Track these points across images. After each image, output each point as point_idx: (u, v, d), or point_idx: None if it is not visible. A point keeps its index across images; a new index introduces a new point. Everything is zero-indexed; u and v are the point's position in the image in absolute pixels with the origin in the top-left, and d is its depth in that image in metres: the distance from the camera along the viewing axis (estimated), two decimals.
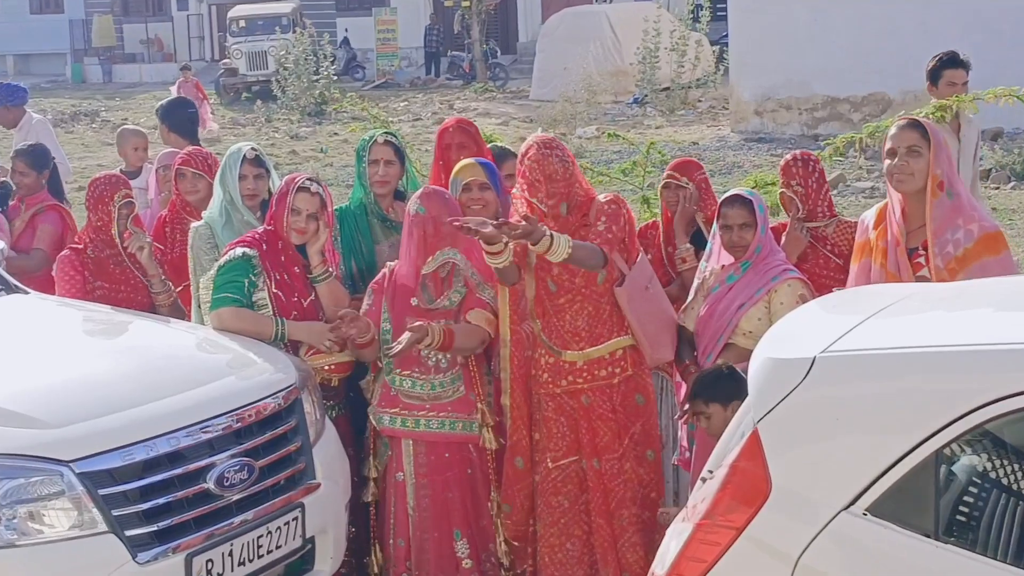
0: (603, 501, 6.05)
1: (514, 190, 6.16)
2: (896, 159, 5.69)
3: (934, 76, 9.31)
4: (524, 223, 5.61)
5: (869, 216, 6.01)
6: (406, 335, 5.90)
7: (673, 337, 6.24)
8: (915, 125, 5.81)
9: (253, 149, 7.10)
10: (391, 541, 6.27)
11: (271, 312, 6.32)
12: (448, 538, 6.21)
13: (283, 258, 6.40)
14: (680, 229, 6.81)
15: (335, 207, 6.71)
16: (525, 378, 6.22)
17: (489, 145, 7.01)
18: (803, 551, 3.33)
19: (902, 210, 5.77)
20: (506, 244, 5.78)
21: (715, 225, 6.17)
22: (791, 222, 6.48)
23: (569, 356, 6.04)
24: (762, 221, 6.06)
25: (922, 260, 5.67)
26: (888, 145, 5.77)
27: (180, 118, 9.50)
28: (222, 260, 6.42)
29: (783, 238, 6.45)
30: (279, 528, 5.60)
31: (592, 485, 6.07)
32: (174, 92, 25.96)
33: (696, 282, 6.29)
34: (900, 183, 5.70)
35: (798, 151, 6.95)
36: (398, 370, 6.17)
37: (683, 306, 6.33)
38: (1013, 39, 21.83)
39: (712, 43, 32.39)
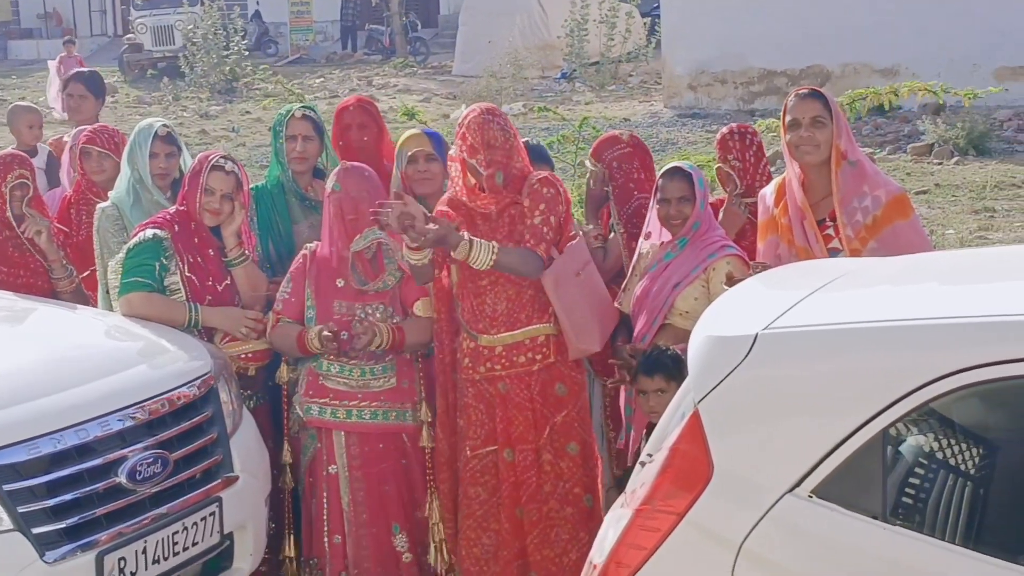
0: (512, 494, 6.06)
1: (451, 151, 6.18)
2: (801, 130, 5.74)
3: None
4: (436, 228, 5.66)
5: (768, 192, 6.03)
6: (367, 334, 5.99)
7: (605, 327, 6.23)
8: (816, 95, 5.86)
9: (165, 126, 7.05)
10: (326, 538, 6.25)
11: (184, 297, 6.29)
12: (386, 532, 6.23)
13: (196, 240, 6.36)
14: (589, 209, 6.85)
15: (251, 186, 6.68)
16: (452, 363, 6.25)
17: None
18: (747, 536, 3.35)
19: (802, 182, 5.82)
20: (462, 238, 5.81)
21: (652, 200, 6.20)
22: (729, 197, 6.50)
23: (485, 340, 6.04)
24: (701, 196, 6.07)
25: (831, 232, 5.73)
26: (789, 117, 5.80)
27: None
28: (131, 242, 6.37)
29: (720, 214, 6.47)
30: (195, 524, 5.57)
31: (503, 477, 6.08)
32: (52, 69, 25.73)
33: (633, 261, 6.32)
34: (806, 154, 5.74)
35: (735, 124, 6.98)
36: (322, 353, 6.17)
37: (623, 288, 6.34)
38: (951, 7, 22.02)
39: (643, 15, 32.51)
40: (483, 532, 6.10)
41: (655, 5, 29.68)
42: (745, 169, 6.54)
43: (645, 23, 31.86)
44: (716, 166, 6.68)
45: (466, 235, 5.75)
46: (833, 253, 5.64)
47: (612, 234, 6.75)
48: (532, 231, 5.94)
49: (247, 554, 5.92)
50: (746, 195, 6.50)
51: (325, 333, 6.00)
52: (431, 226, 5.67)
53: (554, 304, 6.01)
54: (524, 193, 6.02)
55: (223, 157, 6.45)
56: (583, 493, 6.13)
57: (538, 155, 6.77)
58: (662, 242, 6.12)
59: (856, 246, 5.58)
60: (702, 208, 6.07)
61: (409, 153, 6.48)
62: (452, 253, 5.78)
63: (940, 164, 17.68)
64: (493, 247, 5.75)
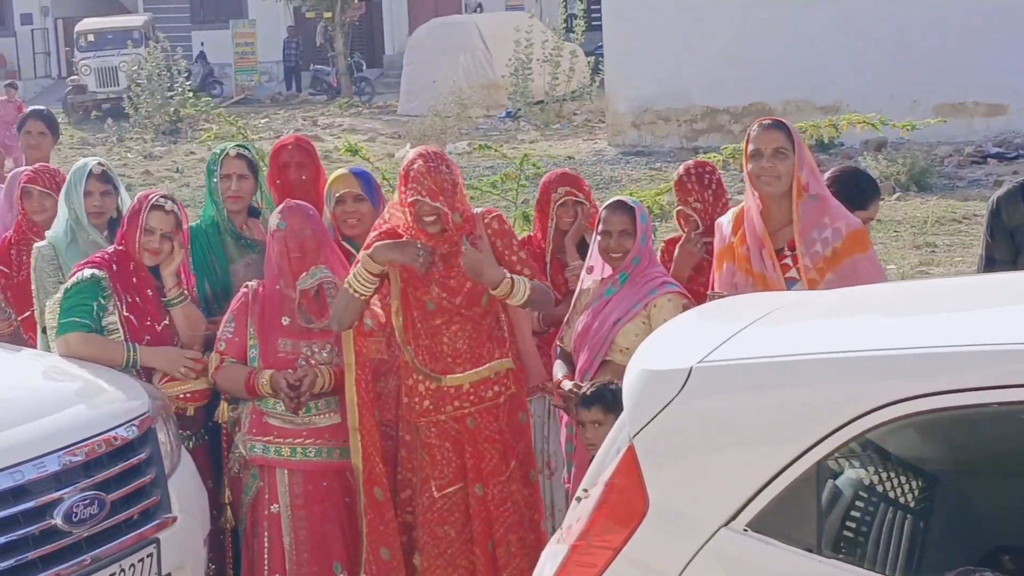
0: (484, 530, 6.04)
1: (394, 197, 6.17)
2: (762, 160, 5.74)
3: None
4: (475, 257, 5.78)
5: (725, 221, 6.02)
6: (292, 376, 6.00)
7: (538, 359, 6.34)
8: (779, 126, 5.86)
9: (100, 164, 7.03)
10: None
11: (122, 337, 6.25)
12: (328, 571, 6.19)
13: (135, 280, 6.34)
14: (571, 245, 6.83)
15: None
16: (373, 403, 6.20)
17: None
18: (682, 570, 3.34)
19: (761, 212, 5.81)
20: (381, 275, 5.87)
21: (595, 233, 6.20)
22: (686, 236, 6.49)
23: (452, 380, 6.00)
24: (643, 231, 6.08)
25: (789, 261, 5.73)
26: (752, 147, 5.80)
27: None
28: (69, 282, 6.34)
29: (676, 251, 6.48)
30: (133, 565, 5.52)
31: (474, 513, 6.05)
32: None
33: (575, 296, 6.31)
34: (768, 185, 5.74)
35: (691, 161, 6.98)
36: (271, 398, 6.14)
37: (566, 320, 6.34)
38: (890, 45, 22.21)
39: (587, 54, 32.67)
40: (453, 570, 6.08)
41: (599, 44, 29.85)
42: (705, 210, 6.52)
43: (589, 62, 32.00)
44: (677, 208, 6.65)
45: (506, 272, 5.80)
46: (790, 283, 5.65)
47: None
48: (527, 265, 6.06)
49: None
50: (705, 234, 6.44)
51: (285, 386, 5.99)
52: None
53: (520, 336, 6.16)
54: (481, 231, 6.04)
55: (163, 196, 6.43)
56: (540, 519, 6.16)
57: (369, 183, 6.84)
58: (603, 278, 6.12)
59: (814, 276, 5.59)
60: (643, 243, 6.07)
61: (337, 194, 6.50)
62: (491, 291, 5.83)
63: (881, 200, 17.76)
64: (525, 282, 5.82)
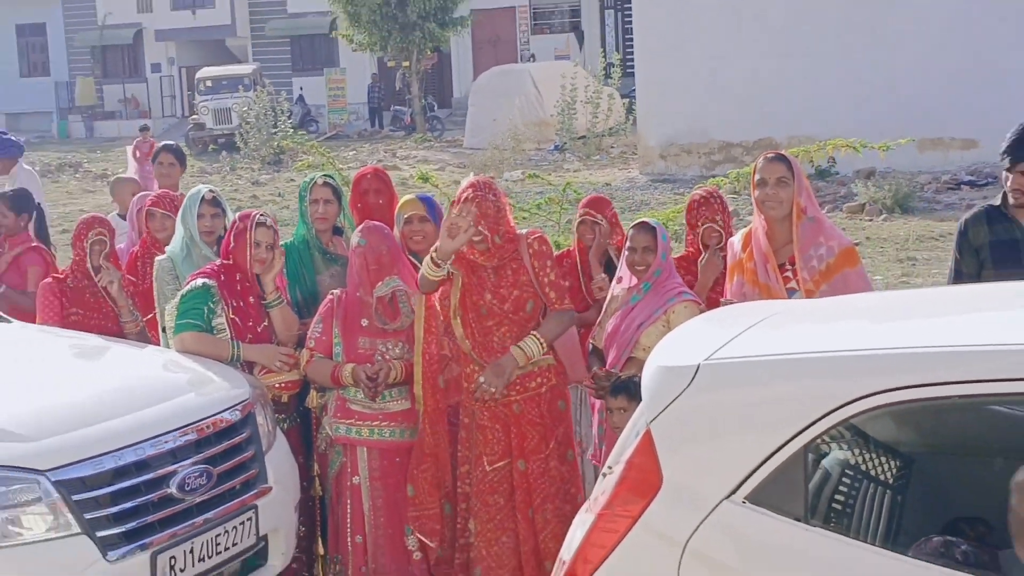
0: (525, 500, 6.03)
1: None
2: (767, 188, 5.74)
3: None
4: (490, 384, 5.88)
5: (736, 240, 6.03)
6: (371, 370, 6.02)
7: (580, 357, 6.32)
8: (781, 159, 5.85)
9: (211, 191, 7.10)
10: (349, 539, 6.21)
11: (228, 336, 6.28)
12: (400, 534, 6.19)
13: (239, 287, 6.37)
14: (595, 261, 6.79)
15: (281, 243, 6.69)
16: (436, 389, 6.21)
17: (425, 195, 7.01)
18: (690, 536, 3.33)
19: (766, 232, 5.81)
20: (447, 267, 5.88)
21: (623, 249, 6.20)
22: (712, 251, 6.45)
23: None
24: (663, 248, 6.08)
25: (789, 274, 5.73)
26: (758, 176, 5.80)
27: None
28: (184, 289, 6.39)
29: (701, 264, 6.46)
30: (235, 527, 5.56)
31: (516, 485, 6.05)
32: (130, 153, 25.62)
33: (606, 302, 6.31)
34: (771, 209, 5.75)
35: (704, 189, 6.96)
36: (353, 387, 6.15)
37: (599, 322, 6.34)
38: (880, 87, 22.09)
39: (623, 96, 32.57)
40: (502, 532, 6.06)
41: (632, 88, 29.74)
42: (725, 227, 6.53)
43: (624, 103, 31.89)
44: (705, 226, 6.57)
45: (512, 351, 5.87)
46: (791, 293, 5.64)
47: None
48: (554, 287, 6.02)
49: (279, 553, 5.91)
50: (722, 249, 6.43)
51: (364, 377, 6.01)
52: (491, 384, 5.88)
53: (558, 336, 6.11)
54: (524, 250, 6.05)
55: (262, 215, 6.47)
56: (577, 493, 6.13)
57: (432, 207, 6.81)
58: (629, 287, 6.12)
59: (811, 287, 5.59)
60: (664, 258, 6.07)
61: (405, 216, 6.52)
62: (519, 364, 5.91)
63: (870, 220, 17.72)
64: (537, 338, 5.90)
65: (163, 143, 9.91)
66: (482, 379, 5.86)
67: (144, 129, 28.51)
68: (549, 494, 6.05)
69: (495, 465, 6.06)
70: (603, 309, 6.30)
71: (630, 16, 29.80)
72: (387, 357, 6.13)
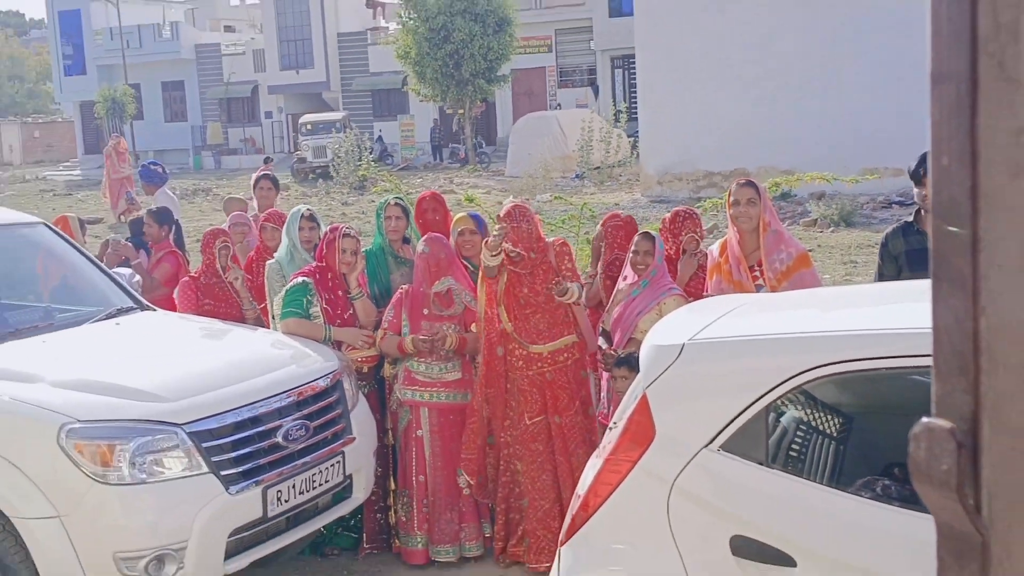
0: (563, 446, 6.07)
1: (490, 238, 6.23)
2: (740, 207, 5.77)
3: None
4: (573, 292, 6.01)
5: (715, 248, 6.04)
6: (426, 338, 6.08)
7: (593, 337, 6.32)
8: (751, 184, 5.90)
9: (308, 210, 7.16)
10: (414, 478, 6.23)
11: (322, 321, 6.32)
12: (453, 475, 6.20)
13: (330, 284, 6.41)
14: (593, 258, 6.90)
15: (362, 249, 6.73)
16: (494, 361, 6.21)
17: (475, 213, 7.06)
18: (677, 476, 3.33)
19: (739, 242, 5.82)
20: (499, 253, 5.97)
21: (629, 253, 6.21)
22: (689, 254, 6.43)
23: (536, 349, 6.08)
24: (659, 253, 6.08)
25: (758, 274, 5.73)
26: (732, 198, 5.83)
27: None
28: (288, 285, 6.44)
29: (679, 267, 6.44)
30: (327, 468, 5.61)
31: (555, 435, 6.09)
32: (252, 179, 25.69)
33: (612, 294, 6.32)
34: (743, 223, 5.78)
35: (682, 208, 6.94)
36: (415, 357, 6.18)
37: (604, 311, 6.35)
38: (831, 127, 22.00)
39: (628, 136, 32.40)
40: (543, 472, 6.09)
41: (635, 130, 29.59)
42: (702, 237, 6.57)
43: (629, 141, 31.76)
44: (687, 235, 6.54)
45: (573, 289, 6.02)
46: (758, 288, 5.64)
47: (597, 276, 6.74)
48: (572, 276, 6.13)
49: (361, 488, 5.96)
50: (695, 253, 6.46)
51: (420, 338, 6.07)
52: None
53: (580, 321, 6.19)
54: (551, 254, 6.15)
55: (348, 228, 6.53)
56: (598, 441, 6.14)
57: (481, 223, 6.83)
58: (631, 283, 6.12)
59: (774, 284, 5.61)
60: (659, 261, 6.07)
61: (459, 229, 6.56)
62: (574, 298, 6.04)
63: (821, 232, 17.62)
64: (578, 287, 6.06)
65: (263, 172, 9.99)
66: (573, 286, 5.99)
67: (268, 160, 28.67)
68: (579, 441, 6.10)
69: (534, 420, 6.09)
70: (611, 300, 6.31)
71: (635, 74, 29.68)
72: (439, 329, 6.17)
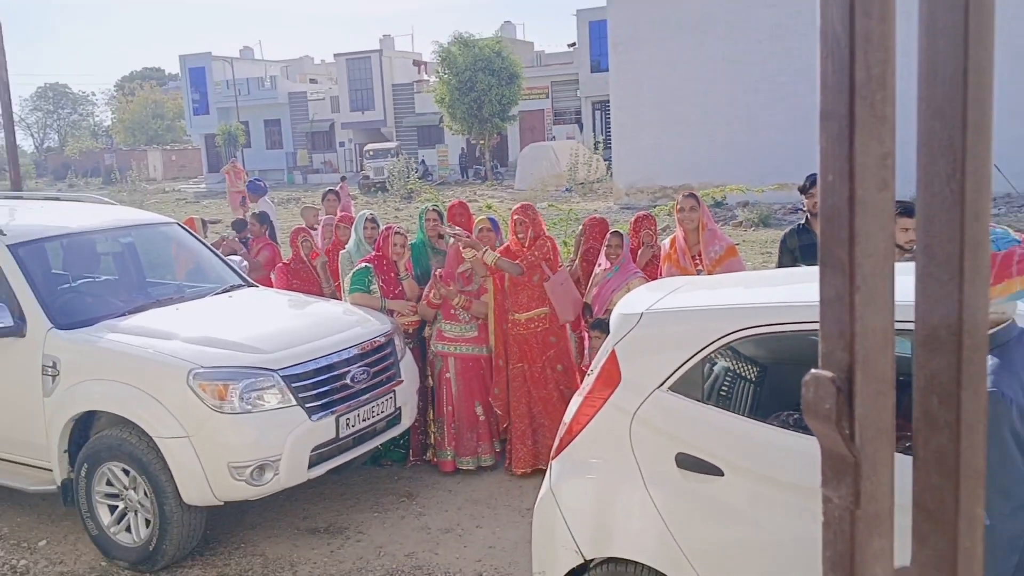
0: (533, 387, 6.13)
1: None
2: (684, 212, 5.75)
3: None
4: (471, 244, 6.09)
5: (666, 243, 6.01)
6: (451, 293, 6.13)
7: (576, 309, 6.24)
8: (693, 196, 5.87)
9: (371, 214, 7.12)
10: (444, 408, 6.25)
11: (379, 295, 6.31)
12: (472, 405, 6.23)
13: (385, 267, 6.39)
14: (575, 250, 6.86)
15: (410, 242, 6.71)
16: (503, 325, 6.20)
17: (490, 217, 7.05)
18: (636, 409, 3.31)
19: (684, 237, 5.78)
20: (484, 251, 6.05)
21: (603, 246, 6.18)
22: (647, 247, 6.39)
23: (517, 316, 6.11)
24: (626, 246, 6.07)
25: (698, 262, 5.68)
26: (679, 206, 5.81)
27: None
28: (354, 269, 6.42)
29: (639, 254, 6.40)
30: (382, 402, 5.60)
31: (528, 379, 6.13)
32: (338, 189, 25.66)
33: (592, 276, 6.28)
34: (687, 224, 5.75)
35: (642, 212, 6.93)
36: (444, 321, 6.15)
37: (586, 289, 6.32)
38: (751, 151, 21.85)
39: (604, 160, 32.28)
40: (520, 404, 6.13)
41: (609, 156, 29.47)
42: (655, 235, 6.50)
43: (605, 164, 31.62)
44: (645, 231, 6.50)
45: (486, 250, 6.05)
46: (699, 272, 5.61)
47: (576, 261, 6.72)
48: (540, 256, 6.11)
49: (407, 416, 5.95)
50: (652, 246, 6.41)
51: (439, 290, 6.09)
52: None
53: (550, 297, 6.10)
54: (539, 244, 6.14)
55: (397, 227, 6.49)
56: (566, 388, 6.12)
57: (495, 225, 6.78)
58: (605, 268, 6.09)
59: (710, 269, 5.59)
60: (626, 252, 6.04)
61: (479, 228, 6.52)
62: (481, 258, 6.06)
63: (745, 231, 17.50)
64: (494, 256, 6.07)
65: (329, 189, 9.99)
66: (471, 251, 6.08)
67: (343, 180, 28.62)
68: (546, 386, 6.13)
69: (516, 365, 6.15)
70: (590, 281, 6.28)
71: (609, 115, 29.51)
72: (453, 287, 6.18)
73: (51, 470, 5.24)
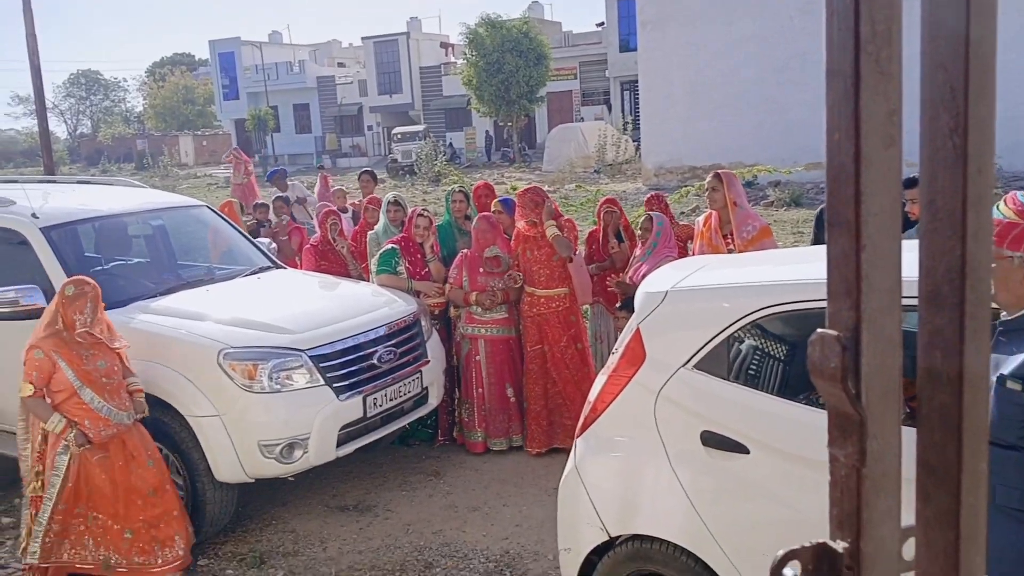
0: (554, 368, 6.14)
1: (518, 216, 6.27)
2: (710, 192, 5.71)
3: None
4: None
5: (699, 221, 5.97)
6: (486, 295, 6.12)
7: (589, 292, 6.32)
8: (717, 176, 5.79)
9: (396, 197, 7.13)
10: (473, 390, 6.26)
11: (406, 276, 6.33)
12: (503, 387, 6.24)
13: (411, 249, 6.41)
14: (611, 234, 6.80)
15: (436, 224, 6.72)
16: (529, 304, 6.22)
17: (507, 198, 7.07)
18: (661, 388, 3.30)
19: (716, 216, 5.74)
20: (549, 224, 6.07)
21: (639, 229, 6.23)
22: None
23: (538, 293, 6.12)
24: (658, 229, 6.05)
25: (730, 240, 5.64)
26: (708, 186, 5.76)
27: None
28: (381, 250, 6.45)
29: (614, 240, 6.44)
30: (409, 382, 5.64)
31: (547, 359, 6.16)
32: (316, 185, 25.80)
33: (631, 259, 6.29)
34: (714, 203, 5.69)
35: (653, 192, 7.00)
36: (476, 305, 6.17)
37: (625, 270, 6.31)
38: (783, 130, 21.60)
39: (633, 140, 32.09)
40: (536, 385, 6.15)
41: (638, 137, 29.29)
42: (665, 211, 6.55)
43: (635, 144, 31.43)
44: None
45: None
46: (729, 251, 5.57)
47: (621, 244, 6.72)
48: (573, 242, 6.16)
49: (434, 396, 5.99)
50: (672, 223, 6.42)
51: (482, 296, 6.09)
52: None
53: (573, 277, 6.15)
54: (559, 225, 6.14)
55: (423, 210, 6.51)
56: (583, 367, 6.19)
57: (508, 206, 6.76)
58: (640, 252, 6.10)
59: (743, 249, 5.52)
60: (659, 235, 6.06)
61: (494, 208, 6.56)
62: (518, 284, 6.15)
63: (776, 210, 17.32)
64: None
65: (364, 170, 10.02)
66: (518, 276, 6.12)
67: (321, 167, 28.87)
68: (566, 366, 6.15)
69: (533, 347, 6.17)
70: (629, 262, 6.28)
71: (638, 95, 29.29)
72: (492, 286, 6.14)
73: None
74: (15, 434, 4.64)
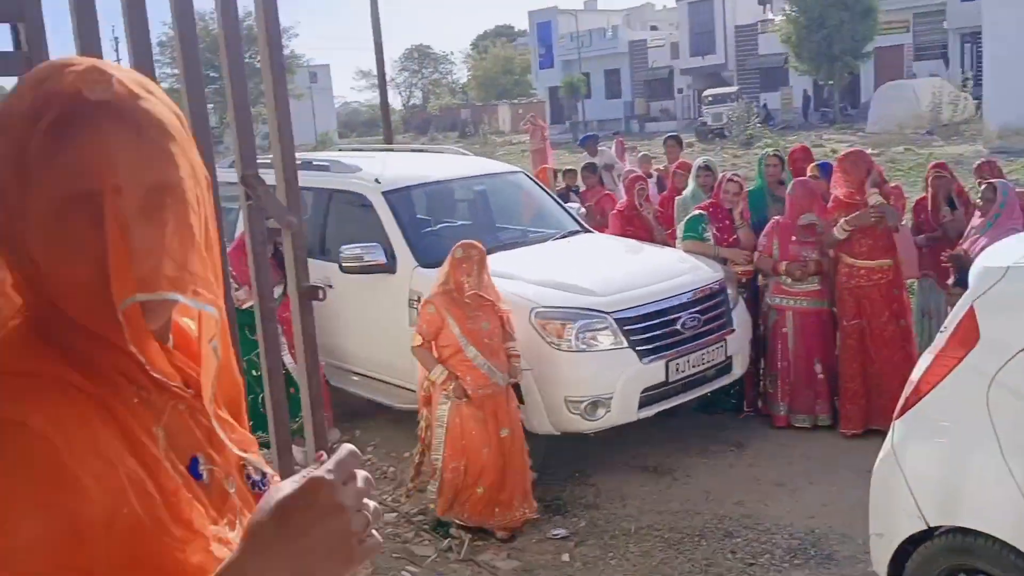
0: (872, 345, 5.78)
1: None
2: None
3: None
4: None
5: None
6: (797, 265, 5.90)
7: (915, 265, 5.94)
8: None
9: (706, 161, 7.08)
10: (779, 363, 6.07)
11: (712, 242, 6.26)
12: (811, 362, 6.01)
13: (720, 215, 6.32)
14: (942, 199, 6.24)
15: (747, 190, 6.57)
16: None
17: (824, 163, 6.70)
18: (997, 372, 3.01)
19: None
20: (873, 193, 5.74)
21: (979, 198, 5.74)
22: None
23: (859, 264, 5.78)
24: (1002, 199, 5.48)
25: None
26: None
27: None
28: (689, 216, 6.43)
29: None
30: (713, 350, 5.60)
31: (866, 335, 5.81)
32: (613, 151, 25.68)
33: (968, 230, 5.80)
34: None
35: (984, 159, 6.30)
36: (786, 275, 5.97)
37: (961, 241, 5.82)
38: None
39: (974, 98, 28.87)
40: (854, 362, 5.86)
41: (979, 94, 26.26)
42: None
43: (975, 103, 28.27)
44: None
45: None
46: None
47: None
48: (901, 209, 5.93)
49: (739, 366, 5.90)
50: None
51: (793, 266, 5.88)
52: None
53: (899, 248, 5.74)
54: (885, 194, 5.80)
55: (733, 174, 6.40)
56: (905, 346, 5.83)
57: (826, 171, 6.41)
58: (980, 223, 5.61)
59: None
60: (1002, 206, 5.50)
61: (810, 173, 6.25)
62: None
63: None
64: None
65: (669, 135, 9.90)
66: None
67: (674, 136, 28.66)
68: (890, 341, 5.79)
69: (851, 323, 5.84)
70: (965, 233, 5.76)
71: (981, 47, 26.26)
72: (805, 256, 5.89)
73: (414, 390, 5.90)
74: (399, 385, 5.16)
